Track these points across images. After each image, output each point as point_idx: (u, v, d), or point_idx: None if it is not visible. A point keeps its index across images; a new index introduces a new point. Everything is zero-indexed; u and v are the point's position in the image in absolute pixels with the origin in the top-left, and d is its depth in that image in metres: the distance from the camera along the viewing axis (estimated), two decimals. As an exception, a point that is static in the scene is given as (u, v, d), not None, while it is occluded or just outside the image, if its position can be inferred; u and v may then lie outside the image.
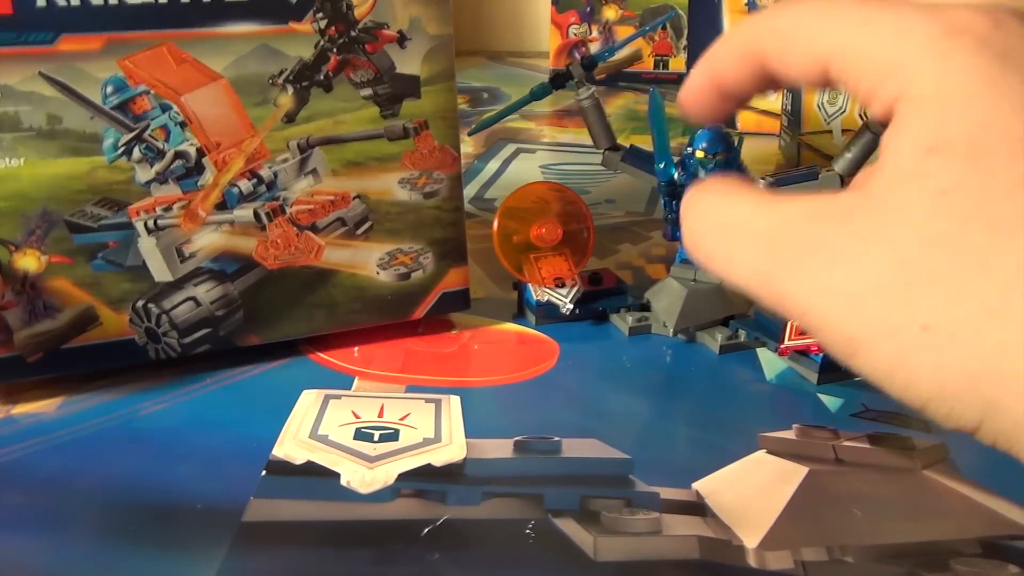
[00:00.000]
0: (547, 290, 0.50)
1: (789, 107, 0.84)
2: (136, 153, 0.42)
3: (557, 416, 0.42)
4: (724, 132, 0.47)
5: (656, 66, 1.21)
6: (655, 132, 0.47)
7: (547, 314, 0.51)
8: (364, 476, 0.37)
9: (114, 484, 0.37)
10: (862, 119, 0.75)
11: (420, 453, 0.38)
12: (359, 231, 0.47)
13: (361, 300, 0.48)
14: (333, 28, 0.44)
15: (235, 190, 0.44)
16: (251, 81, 0.43)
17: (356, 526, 0.34)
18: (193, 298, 0.44)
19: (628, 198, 0.74)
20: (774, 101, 0.94)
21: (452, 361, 0.48)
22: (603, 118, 0.51)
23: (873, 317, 0.19)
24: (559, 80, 0.52)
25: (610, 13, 1.24)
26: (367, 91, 0.46)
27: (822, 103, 0.79)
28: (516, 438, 0.40)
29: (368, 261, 0.47)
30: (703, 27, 0.99)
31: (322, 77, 0.44)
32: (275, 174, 0.45)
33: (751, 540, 0.33)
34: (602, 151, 0.51)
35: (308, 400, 0.43)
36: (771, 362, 0.47)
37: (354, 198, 0.47)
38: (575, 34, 1.25)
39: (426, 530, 0.34)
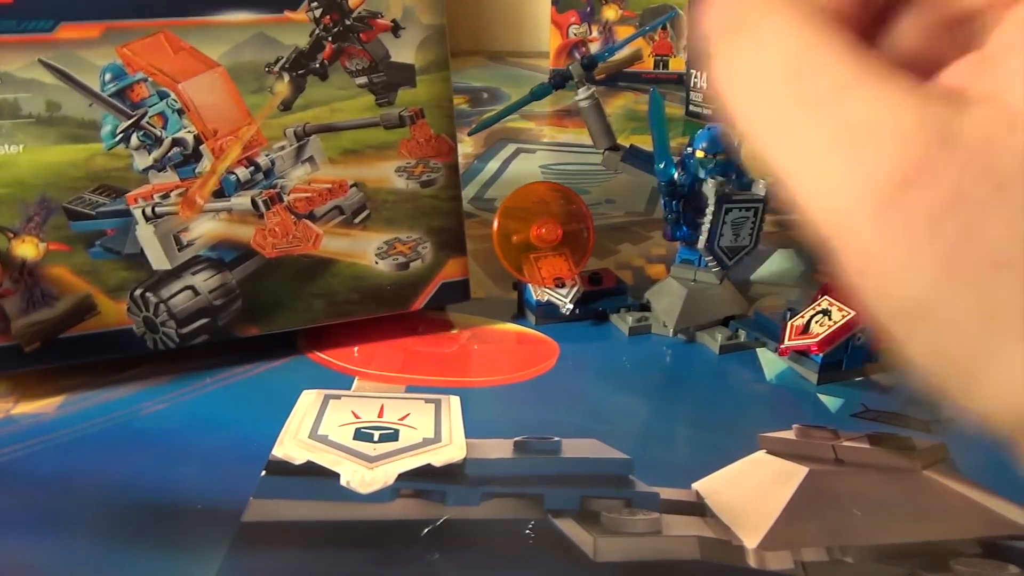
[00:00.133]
0: (547, 290, 0.50)
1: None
2: (134, 140, 0.42)
3: (557, 416, 0.42)
4: (724, 132, 0.47)
5: (656, 66, 1.21)
6: (655, 132, 0.47)
7: (547, 314, 0.51)
8: (364, 476, 0.37)
9: (114, 484, 0.37)
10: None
11: (420, 453, 0.38)
12: (357, 220, 0.47)
13: (360, 290, 0.48)
14: (328, 17, 0.44)
15: (232, 178, 0.44)
16: (248, 69, 0.43)
17: (356, 526, 0.34)
18: (191, 287, 0.44)
19: (628, 198, 0.74)
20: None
21: (452, 361, 0.48)
22: (603, 118, 0.51)
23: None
24: (559, 80, 0.52)
25: (610, 13, 1.24)
26: (362, 79, 0.46)
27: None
28: (516, 438, 0.40)
29: (366, 250, 0.47)
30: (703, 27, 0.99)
31: (318, 65, 0.45)
32: (272, 162, 0.45)
33: (751, 540, 0.33)
34: (602, 151, 0.51)
35: (308, 400, 0.43)
36: (771, 362, 0.47)
37: (351, 186, 0.47)
38: (575, 34, 1.25)
39: (426, 530, 0.34)
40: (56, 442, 0.40)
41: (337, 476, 0.37)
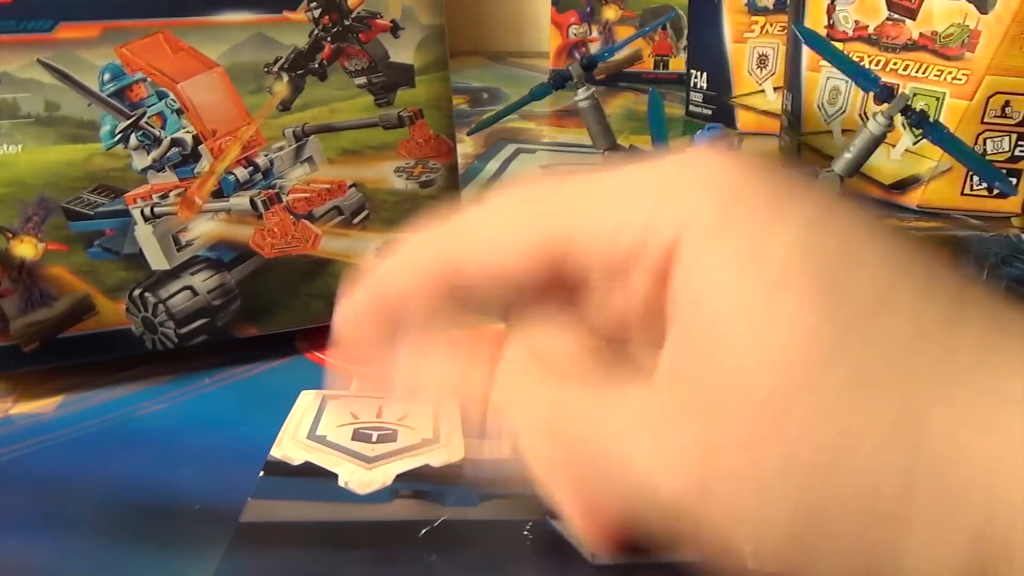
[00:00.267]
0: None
1: (789, 107, 0.84)
2: (133, 140, 0.42)
3: (556, 417, 0.42)
4: (724, 132, 0.46)
5: (656, 66, 1.21)
6: (655, 132, 0.47)
7: (546, 314, 0.50)
8: (362, 477, 0.36)
9: (112, 484, 0.37)
10: (862, 119, 0.74)
11: (418, 454, 0.38)
12: (356, 220, 0.47)
13: None
14: (327, 17, 0.44)
15: (231, 178, 0.44)
16: (246, 69, 0.43)
17: (354, 527, 0.34)
18: (190, 287, 0.44)
19: (628, 198, 0.74)
20: (774, 101, 0.94)
21: (451, 361, 0.48)
22: (603, 119, 0.51)
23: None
24: (559, 80, 0.52)
25: (610, 13, 1.24)
26: (361, 80, 0.46)
27: (822, 103, 0.79)
28: (515, 439, 0.40)
29: (366, 250, 0.47)
30: (703, 27, 0.99)
31: (317, 65, 0.45)
32: (271, 162, 0.45)
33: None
34: (602, 151, 0.51)
35: (306, 400, 0.43)
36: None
37: (350, 187, 0.47)
38: (575, 34, 1.25)
39: (424, 531, 0.34)
40: (54, 442, 0.40)
41: (335, 476, 0.37)
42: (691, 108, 1.02)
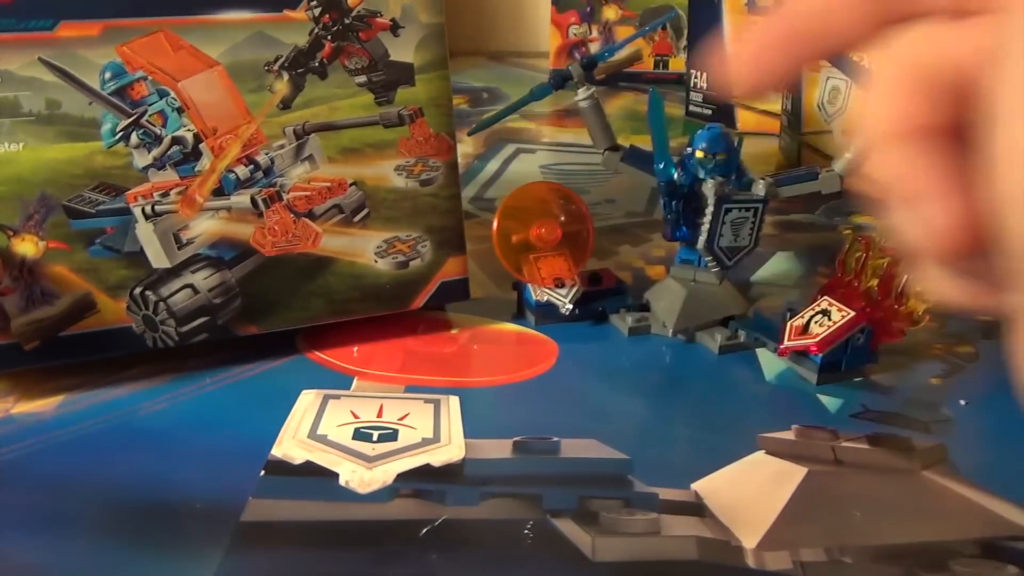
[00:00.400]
0: (546, 290, 0.50)
1: (789, 107, 0.84)
2: (134, 138, 0.42)
3: (556, 416, 0.42)
4: (724, 132, 0.47)
5: (656, 66, 1.21)
6: (655, 132, 0.47)
7: (547, 314, 0.51)
8: (363, 476, 0.37)
9: (113, 484, 0.37)
10: (862, 119, 0.74)
11: (419, 453, 0.38)
12: (356, 218, 0.47)
13: (359, 289, 0.48)
14: (327, 16, 0.44)
15: (232, 176, 0.44)
16: (247, 68, 0.43)
17: (354, 526, 0.34)
18: (191, 285, 0.44)
19: (628, 198, 0.74)
20: (774, 101, 0.94)
21: (451, 361, 0.48)
22: (603, 118, 0.51)
23: None
24: (559, 80, 0.52)
25: (610, 13, 1.24)
26: (361, 78, 0.46)
27: (822, 103, 0.79)
28: (515, 438, 0.40)
29: (366, 249, 0.47)
30: (703, 27, 0.99)
31: (317, 64, 0.45)
32: (271, 160, 0.45)
33: (750, 541, 0.33)
34: (602, 151, 0.51)
35: (307, 400, 0.43)
36: (770, 363, 0.47)
37: (351, 185, 0.47)
38: (575, 34, 1.25)
39: (424, 530, 0.34)
40: (55, 441, 0.40)
41: (336, 476, 0.37)
42: (691, 108, 1.02)
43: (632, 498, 0.36)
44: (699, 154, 0.46)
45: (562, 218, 0.51)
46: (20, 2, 0.39)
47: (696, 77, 1.01)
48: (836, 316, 0.44)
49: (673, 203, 0.48)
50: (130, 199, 0.43)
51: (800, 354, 0.45)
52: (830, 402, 0.43)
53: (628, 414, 0.43)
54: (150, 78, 0.42)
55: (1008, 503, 0.36)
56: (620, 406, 0.44)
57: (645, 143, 0.49)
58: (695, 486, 0.37)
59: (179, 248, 0.44)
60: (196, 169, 0.44)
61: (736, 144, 0.47)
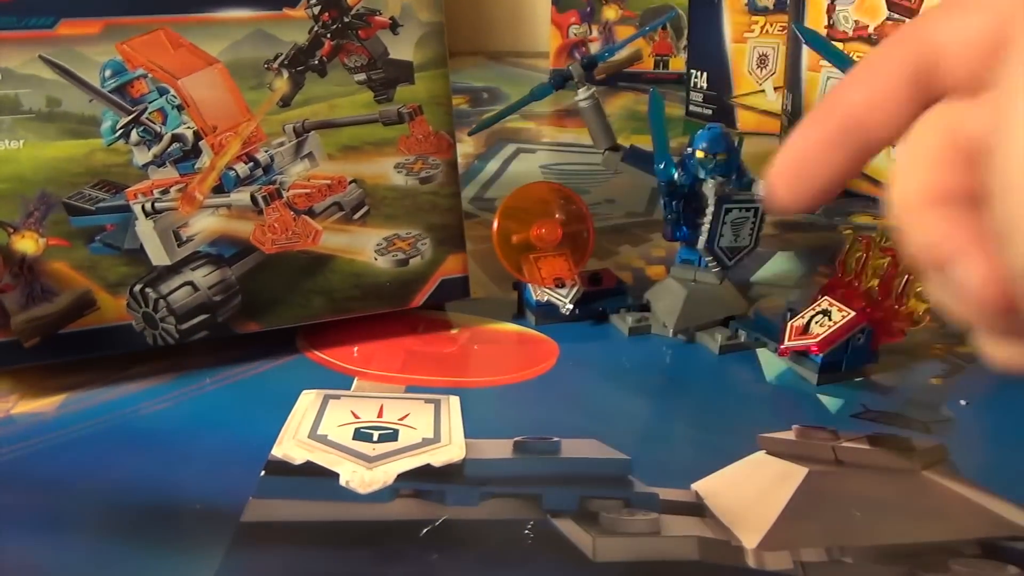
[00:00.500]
0: (547, 290, 0.50)
1: (789, 107, 0.84)
2: (134, 136, 0.42)
3: (556, 416, 0.42)
4: (724, 132, 0.47)
5: (656, 66, 1.21)
6: (655, 132, 0.47)
7: (547, 314, 0.51)
8: (363, 476, 0.37)
9: (113, 484, 0.37)
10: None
11: (419, 453, 0.38)
12: (356, 216, 0.47)
13: (359, 286, 0.48)
14: (326, 14, 0.45)
15: (232, 173, 0.44)
16: (247, 65, 0.43)
17: (355, 526, 0.34)
18: (191, 283, 0.44)
19: (628, 198, 0.74)
20: (774, 101, 0.94)
21: (452, 361, 0.48)
22: (603, 118, 0.51)
23: None
24: (559, 80, 0.52)
25: (610, 13, 1.24)
26: (361, 76, 0.46)
27: (822, 103, 0.79)
28: (515, 438, 0.40)
29: (366, 247, 0.48)
30: (703, 27, 0.99)
31: (316, 62, 0.45)
32: (271, 158, 0.45)
33: (750, 541, 0.33)
34: (602, 151, 0.51)
35: (307, 400, 0.43)
36: (771, 363, 0.47)
37: (350, 182, 0.47)
38: (575, 34, 1.25)
39: (425, 530, 0.34)
40: (56, 441, 0.40)
41: (336, 476, 0.37)
42: (691, 108, 1.02)
43: (632, 498, 0.36)
44: (699, 154, 0.46)
45: (562, 218, 0.51)
46: (21, 0, 0.39)
47: (696, 77, 1.01)
48: (836, 316, 0.44)
49: (673, 203, 0.48)
50: (130, 196, 0.43)
51: (800, 354, 0.45)
52: (830, 402, 0.43)
53: (628, 414, 0.43)
54: (150, 76, 0.42)
55: (1008, 503, 0.36)
56: (620, 406, 0.44)
57: (645, 143, 0.49)
58: (695, 486, 0.37)
59: (179, 245, 0.44)
60: (196, 166, 0.44)
61: (736, 144, 0.47)
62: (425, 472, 0.37)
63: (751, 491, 0.37)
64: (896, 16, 0.70)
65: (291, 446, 0.39)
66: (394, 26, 0.46)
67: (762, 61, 0.95)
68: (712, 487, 0.37)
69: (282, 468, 0.37)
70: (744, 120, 0.97)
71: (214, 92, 0.43)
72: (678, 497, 0.36)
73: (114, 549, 0.33)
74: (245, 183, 0.45)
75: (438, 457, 0.38)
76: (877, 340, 0.45)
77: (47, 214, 0.42)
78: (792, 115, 0.83)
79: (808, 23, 0.77)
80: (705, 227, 0.47)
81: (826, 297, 0.46)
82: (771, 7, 0.94)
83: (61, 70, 0.41)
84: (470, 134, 0.69)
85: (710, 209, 0.46)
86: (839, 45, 0.72)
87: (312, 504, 0.35)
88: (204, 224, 0.45)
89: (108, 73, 0.42)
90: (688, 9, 1.03)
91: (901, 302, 0.46)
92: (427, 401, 0.43)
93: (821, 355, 0.44)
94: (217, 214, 0.45)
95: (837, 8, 0.75)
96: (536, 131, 0.99)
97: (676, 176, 0.47)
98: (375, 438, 0.39)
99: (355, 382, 0.45)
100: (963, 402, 0.43)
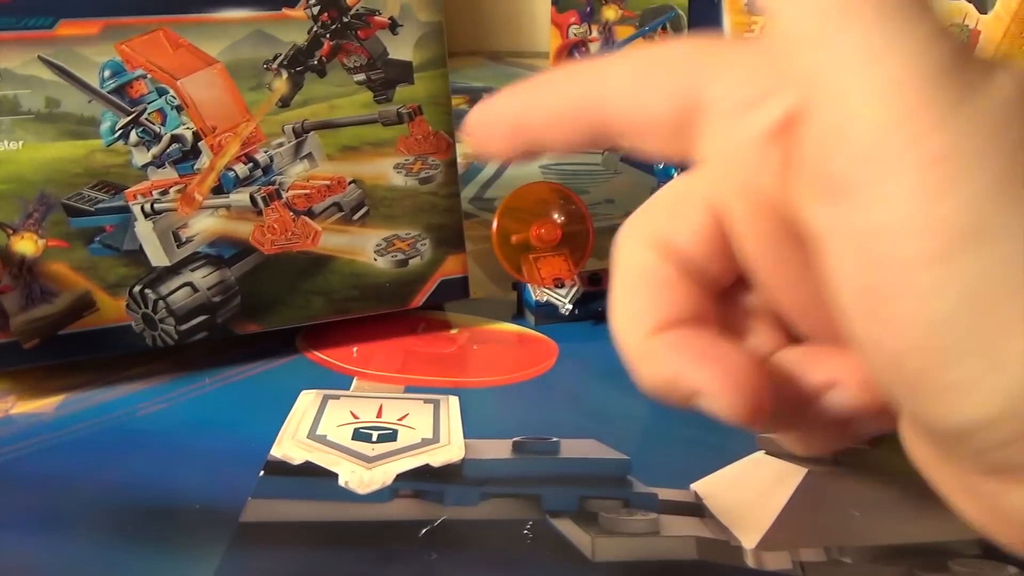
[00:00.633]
0: (546, 290, 0.50)
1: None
2: (133, 136, 0.42)
3: (556, 417, 0.42)
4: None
5: (656, 66, 1.21)
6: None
7: (546, 314, 0.51)
8: (362, 476, 0.37)
9: (112, 484, 0.37)
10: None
11: (418, 453, 0.38)
12: (356, 216, 0.47)
13: (359, 287, 0.48)
14: (326, 14, 0.45)
15: (231, 174, 0.44)
16: (246, 66, 0.43)
17: (354, 526, 0.34)
18: (190, 284, 0.44)
19: (628, 198, 0.74)
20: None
21: (451, 361, 0.48)
22: (602, 118, 0.51)
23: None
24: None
25: (610, 13, 1.24)
26: (360, 76, 0.46)
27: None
28: (514, 439, 0.40)
29: (365, 247, 0.48)
30: (703, 27, 0.99)
31: (316, 62, 0.45)
32: (271, 158, 0.45)
33: (749, 541, 0.33)
34: (602, 151, 0.51)
35: (307, 400, 0.43)
36: (770, 363, 0.47)
37: (350, 183, 0.47)
38: (575, 34, 1.25)
39: (424, 531, 0.34)
40: (55, 442, 0.40)
41: (335, 476, 0.37)
42: (691, 108, 1.02)
43: (632, 498, 0.36)
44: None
45: (562, 218, 0.51)
46: (19, 0, 0.39)
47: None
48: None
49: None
50: (129, 197, 0.43)
51: (800, 354, 0.45)
52: (830, 402, 0.43)
53: (628, 414, 0.43)
54: (149, 76, 0.42)
55: (1008, 503, 0.36)
56: (620, 406, 0.44)
57: (645, 143, 0.49)
58: (695, 486, 0.37)
59: (178, 246, 0.44)
60: (195, 167, 0.44)
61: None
62: (424, 472, 0.37)
63: (750, 491, 0.37)
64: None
65: (290, 446, 0.39)
66: (393, 26, 0.46)
67: (762, 61, 0.95)
68: (711, 487, 0.37)
69: (281, 468, 0.37)
70: (744, 120, 0.97)
71: (213, 93, 0.43)
72: (677, 497, 0.36)
73: (113, 549, 0.33)
74: (244, 184, 0.45)
75: (437, 457, 0.38)
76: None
77: (46, 215, 0.42)
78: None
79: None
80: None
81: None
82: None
83: (60, 71, 0.41)
84: (470, 134, 0.69)
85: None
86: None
87: (311, 504, 0.35)
88: (203, 225, 0.45)
89: (107, 74, 0.42)
90: (688, 9, 1.03)
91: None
92: (426, 401, 0.43)
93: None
94: (216, 215, 0.45)
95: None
96: (536, 131, 0.99)
97: (676, 176, 0.47)
98: (374, 438, 0.39)
99: (354, 382, 0.45)
100: (963, 402, 0.43)
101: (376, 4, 0.46)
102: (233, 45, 0.43)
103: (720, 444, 0.40)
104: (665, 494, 0.36)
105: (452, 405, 0.43)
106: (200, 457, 0.38)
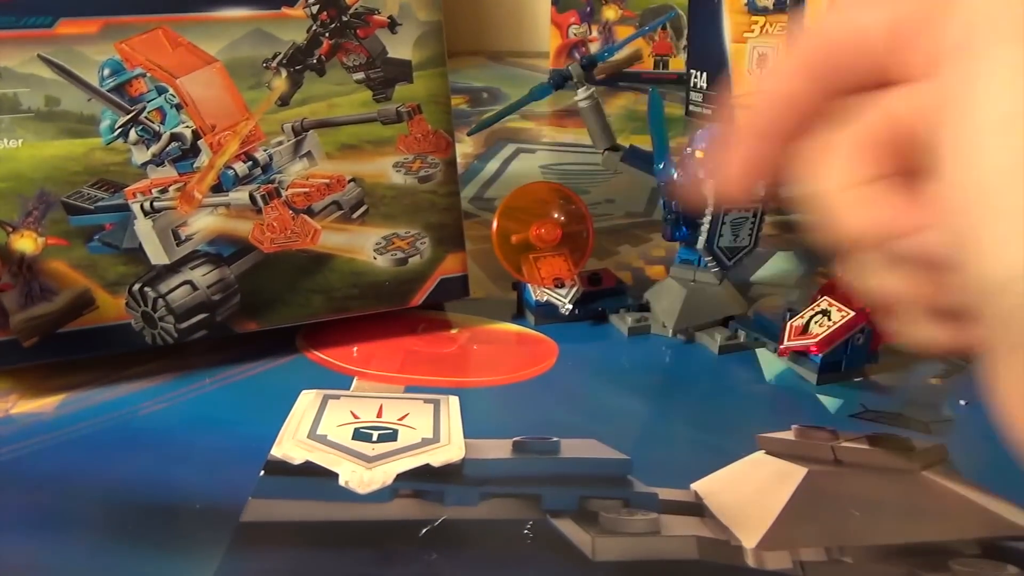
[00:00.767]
0: (546, 290, 0.50)
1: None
2: (132, 135, 0.42)
3: (556, 416, 0.42)
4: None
5: (656, 66, 1.21)
6: (655, 132, 0.47)
7: (546, 314, 0.51)
8: (362, 476, 0.36)
9: (113, 484, 0.37)
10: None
11: (418, 453, 0.38)
12: (355, 215, 0.47)
13: (359, 286, 0.48)
14: (325, 13, 0.45)
15: (231, 172, 0.44)
16: (245, 64, 0.44)
17: (354, 526, 0.34)
18: (190, 282, 0.44)
19: (628, 199, 0.74)
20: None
21: (451, 361, 0.48)
22: (602, 118, 0.51)
23: None
24: (559, 80, 0.52)
25: (610, 13, 1.24)
26: (360, 75, 0.46)
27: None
28: (515, 438, 0.40)
29: (365, 246, 0.48)
30: (703, 27, 0.99)
31: (315, 61, 0.45)
32: (270, 156, 0.45)
33: (749, 540, 0.33)
34: (602, 151, 0.51)
35: (307, 400, 0.43)
36: (770, 363, 0.47)
37: (349, 181, 0.47)
38: (575, 34, 1.25)
39: (424, 530, 0.34)
40: (55, 441, 0.40)
41: (336, 476, 0.37)
42: (691, 108, 1.02)
43: (632, 498, 0.36)
44: (699, 154, 0.46)
45: (562, 218, 0.51)
46: None
47: (696, 77, 1.01)
48: (836, 316, 0.44)
49: (673, 203, 0.48)
50: (129, 195, 0.43)
51: (800, 354, 0.45)
52: (830, 402, 0.43)
53: (628, 414, 0.43)
54: (149, 75, 0.42)
55: (1008, 503, 0.36)
56: (620, 406, 0.44)
57: (645, 143, 0.49)
58: (695, 486, 0.37)
59: (178, 244, 0.44)
60: (195, 165, 0.44)
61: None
62: (424, 472, 0.37)
63: (750, 491, 0.37)
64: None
65: (290, 446, 0.39)
66: (392, 25, 0.46)
67: (762, 61, 0.95)
68: (711, 487, 0.37)
69: (281, 468, 0.37)
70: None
71: (213, 91, 0.43)
72: (677, 497, 0.36)
73: (113, 549, 0.33)
74: (244, 182, 0.45)
75: (437, 457, 0.38)
76: (877, 340, 0.45)
77: (46, 213, 0.42)
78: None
79: (808, 23, 0.76)
80: (704, 227, 0.47)
81: (826, 297, 0.46)
82: (771, 7, 0.94)
83: (60, 69, 0.41)
84: (469, 134, 0.69)
85: (709, 209, 0.46)
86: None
87: (311, 504, 0.35)
88: (203, 223, 0.45)
89: (107, 72, 0.42)
90: (688, 9, 1.03)
91: (901, 302, 0.46)
92: (426, 401, 0.43)
93: (820, 355, 0.44)
94: (216, 213, 0.45)
95: (837, 8, 0.75)
96: (536, 131, 0.99)
97: (676, 176, 0.47)
98: (374, 438, 0.39)
99: (354, 382, 0.45)
100: (963, 402, 0.43)
101: (375, 3, 0.46)
102: (232, 44, 0.43)
103: (720, 444, 0.40)
104: (665, 494, 0.36)
105: (452, 405, 0.43)
106: (200, 457, 0.38)
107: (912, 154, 0.20)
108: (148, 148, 0.43)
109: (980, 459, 0.39)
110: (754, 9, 0.95)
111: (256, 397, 0.44)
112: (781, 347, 0.45)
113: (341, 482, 0.36)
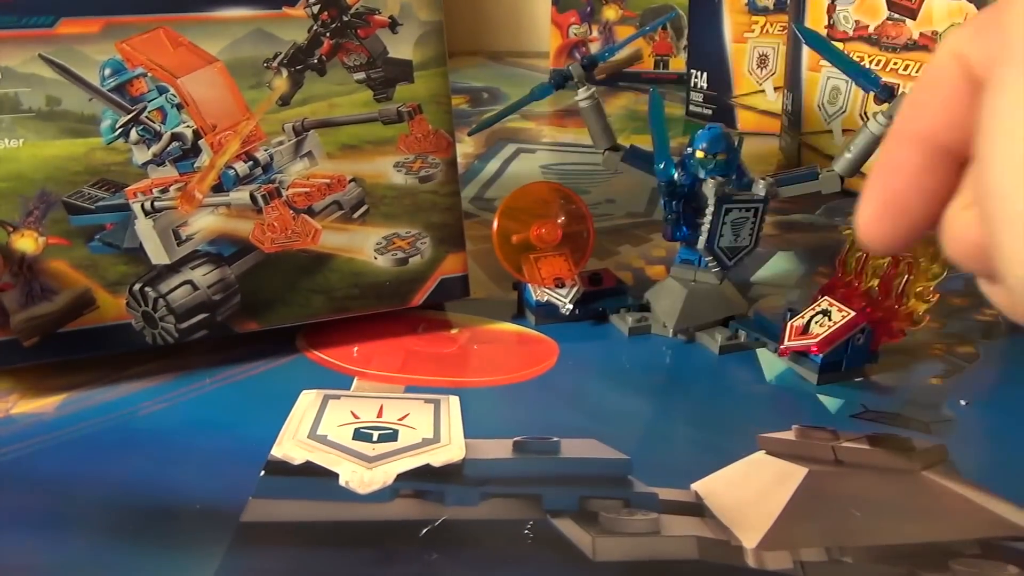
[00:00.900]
0: (547, 290, 0.50)
1: (789, 107, 0.84)
2: (133, 135, 0.42)
3: (556, 416, 0.42)
4: (724, 132, 0.47)
5: (656, 66, 1.21)
6: (655, 132, 0.47)
7: (547, 314, 0.51)
8: (363, 476, 0.37)
9: (113, 484, 0.37)
10: (862, 119, 0.74)
11: (419, 453, 0.38)
12: (356, 215, 0.47)
13: (359, 285, 0.48)
14: (326, 13, 0.45)
15: (231, 172, 0.44)
16: (246, 64, 0.44)
17: (354, 526, 0.34)
18: (190, 282, 0.44)
19: (628, 199, 0.74)
20: (774, 101, 0.94)
21: (451, 361, 0.48)
22: (603, 118, 0.51)
23: None
24: (559, 80, 0.52)
25: (610, 13, 1.24)
26: (360, 75, 0.46)
27: (822, 103, 0.79)
28: (515, 438, 0.40)
29: (365, 246, 0.48)
30: (703, 27, 0.99)
31: (316, 61, 0.45)
32: (271, 156, 0.45)
33: (750, 541, 0.33)
34: (602, 151, 0.51)
35: (307, 400, 0.43)
36: (771, 363, 0.47)
37: (350, 181, 0.47)
38: (575, 34, 1.25)
39: (424, 530, 0.34)
40: (55, 442, 0.40)
41: (336, 476, 0.37)
42: (691, 108, 1.02)
43: (632, 498, 0.36)
44: (699, 154, 0.46)
45: (562, 218, 0.51)
46: None
47: (696, 77, 1.01)
48: (836, 316, 0.44)
49: (673, 203, 0.48)
50: (129, 195, 0.43)
51: (800, 354, 0.45)
52: (830, 402, 0.43)
53: (628, 414, 0.43)
54: (150, 75, 0.42)
55: (1008, 503, 0.36)
56: (620, 406, 0.44)
57: (645, 143, 0.49)
58: (695, 486, 0.37)
59: (178, 244, 0.44)
60: (195, 165, 0.44)
61: (736, 144, 0.47)
62: (425, 472, 0.37)
63: (751, 491, 0.37)
64: (896, 16, 0.70)
65: (291, 446, 0.39)
66: (393, 25, 0.46)
67: (762, 61, 0.95)
68: (712, 487, 0.37)
69: (282, 468, 0.37)
70: (744, 120, 0.97)
71: (213, 91, 0.43)
72: (678, 497, 0.36)
73: (114, 549, 0.33)
74: (244, 182, 0.45)
75: (438, 457, 0.38)
76: (877, 340, 0.45)
77: (47, 213, 0.42)
78: (792, 115, 0.83)
79: (808, 23, 0.77)
80: (705, 227, 0.47)
81: (826, 297, 0.46)
82: (771, 7, 0.94)
83: (61, 69, 0.41)
84: (470, 134, 0.69)
85: (710, 209, 0.46)
86: (839, 45, 0.72)
87: (312, 504, 0.35)
88: (203, 223, 0.45)
89: (107, 72, 0.42)
90: (688, 9, 1.03)
91: (901, 302, 0.46)
92: (427, 401, 0.43)
93: (821, 355, 0.44)
94: (216, 213, 0.45)
95: (837, 8, 0.75)
96: (536, 131, 0.99)
97: (676, 176, 0.47)
98: (375, 438, 0.39)
99: (355, 382, 0.45)
100: (963, 402, 0.43)
101: (376, 3, 0.46)
102: (233, 43, 0.43)
103: (721, 444, 0.40)
104: (665, 494, 0.36)
105: (452, 405, 0.43)
106: (201, 457, 0.38)
107: None
108: (149, 148, 0.43)
109: (980, 459, 0.39)
110: (754, 9, 0.95)
111: (256, 397, 0.44)
112: (781, 347, 0.45)
113: (341, 482, 0.36)
